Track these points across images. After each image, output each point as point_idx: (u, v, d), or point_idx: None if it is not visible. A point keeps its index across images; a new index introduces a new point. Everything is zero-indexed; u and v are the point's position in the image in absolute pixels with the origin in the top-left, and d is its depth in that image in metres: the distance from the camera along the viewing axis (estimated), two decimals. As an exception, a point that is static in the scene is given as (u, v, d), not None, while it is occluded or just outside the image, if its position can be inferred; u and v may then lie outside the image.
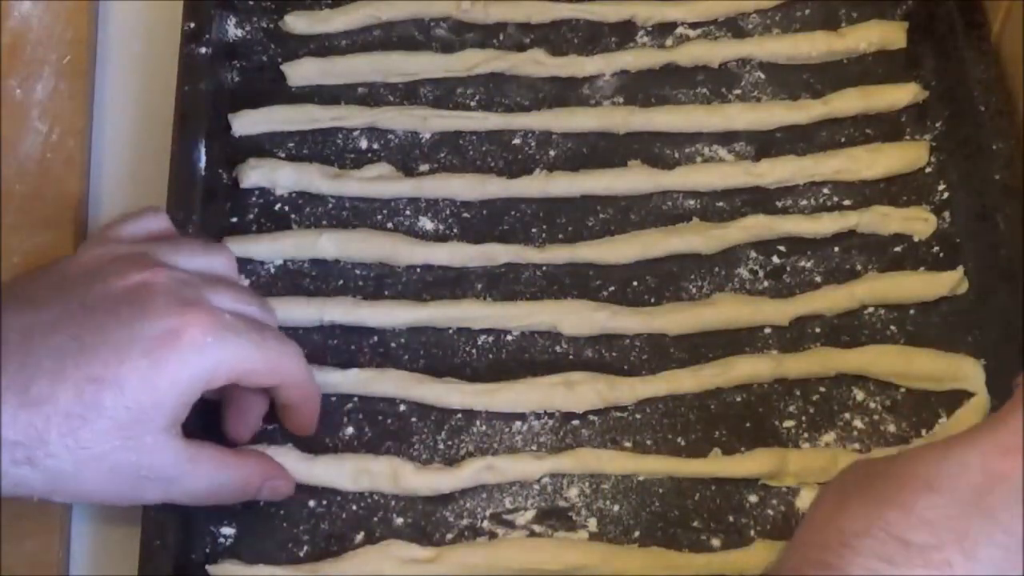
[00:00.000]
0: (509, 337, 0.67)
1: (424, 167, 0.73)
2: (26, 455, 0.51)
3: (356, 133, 0.74)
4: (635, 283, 0.69)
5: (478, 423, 0.65)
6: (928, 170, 0.72)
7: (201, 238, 0.65)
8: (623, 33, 0.77)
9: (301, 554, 0.61)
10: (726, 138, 0.73)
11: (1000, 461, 0.46)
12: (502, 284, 0.69)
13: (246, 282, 0.68)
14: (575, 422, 0.65)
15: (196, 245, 0.62)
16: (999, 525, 0.45)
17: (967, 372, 0.65)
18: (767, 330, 0.67)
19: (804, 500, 0.62)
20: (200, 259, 0.60)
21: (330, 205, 0.71)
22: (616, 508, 0.63)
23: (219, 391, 0.58)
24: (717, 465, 0.63)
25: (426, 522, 0.62)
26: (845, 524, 0.45)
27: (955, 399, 0.65)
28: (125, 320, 0.53)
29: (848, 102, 0.73)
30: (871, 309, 0.68)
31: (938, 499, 0.45)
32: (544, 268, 0.69)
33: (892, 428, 0.64)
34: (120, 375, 0.52)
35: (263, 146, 0.73)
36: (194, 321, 0.54)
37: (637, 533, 0.62)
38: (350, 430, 0.65)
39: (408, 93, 0.75)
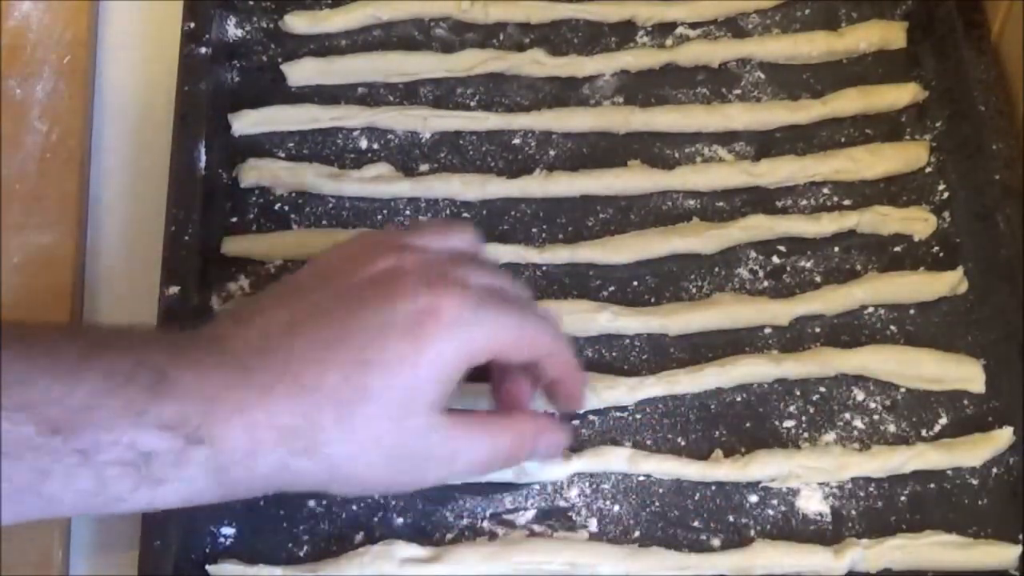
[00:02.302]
0: (509, 337, 0.67)
1: (424, 167, 0.73)
2: (304, 446, 0.51)
3: (356, 133, 0.74)
4: (635, 283, 0.69)
5: (478, 423, 0.65)
6: (928, 170, 0.72)
7: (442, 219, 0.65)
8: (623, 33, 0.77)
9: (301, 554, 0.61)
10: (726, 138, 0.73)
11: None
12: (502, 284, 0.69)
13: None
14: (575, 422, 0.65)
15: (439, 225, 0.61)
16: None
17: (967, 372, 0.65)
18: (767, 330, 0.67)
19: (804, 500, 0.62)
20: (444, 238, 0.59)
21: (330, 205, 0.71)
22: (616, 508, 0.63)
23: (481, 370, 0.57)
24: (719, 469, 0.63)
25: (426, 522, 0.62)
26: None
27: (955, 399, 0.65)
28: (379, 305, 0.53)
29: (848, 102, 0.73)
30: (871, 309, 0.68)
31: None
32: (544, 268, 0.69)
33: (892, 428, 0.64)
34: (384, 358, 0.52)
35: (263, 146, 0.73)
36: (448, 299, 0.53)
37: (637, 533, 0.62)
38: (350, 430, 0.65)
39: (408, 93, 0.75)
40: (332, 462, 0.52)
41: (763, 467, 0.62)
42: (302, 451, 0.51)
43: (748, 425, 0.65)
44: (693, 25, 0.77)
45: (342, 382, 0.51)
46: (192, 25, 0.73)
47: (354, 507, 0.63)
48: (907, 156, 0.72)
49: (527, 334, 0.56)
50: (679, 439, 0.64)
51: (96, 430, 0.48)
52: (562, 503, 0.63)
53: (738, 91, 0.75)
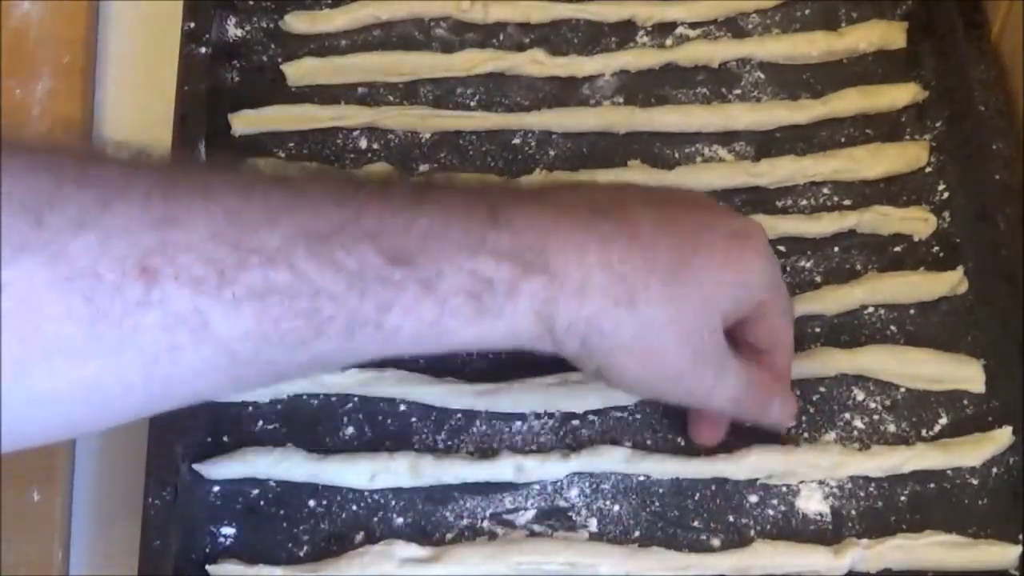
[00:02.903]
0: (509, 337, 0.67)
1: (424, 167, 0.73)
2: (628, 297, 0.52)
3: (356, 133, 0.74)
4: (635, 283, 0.69)
5: (478, 423, 0.65)
6: (928, 170, 0.72)
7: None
8: (623, 33, 0.77)
9: (301, 554, 0.61)
10: (726, 138, 0.73)
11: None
12: (502, 284, 0.69)
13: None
14: (575, 422, 0.65)
15: None
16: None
17: (967, 372, 0.65)
18: (767, 330, 0.67)
19: (804, 500, 0.62)
20: None
21: (330, 205, 0.71)
22: (616, 508, 0.63)
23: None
24: (717, 466, 0.63)
25: (426, 522, 0.62)
26: None
27: (955, 399, 0.65)
28: (701, 213, 0.56)
29: (848, 102, 0.73)
30: (871, 309, 0.68)
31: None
32: (544, 268, 0.69)
33: (892, 428, 0.64)
34: (710, 249, 0.54)
35: (263, 146, 0.73)
36: (759, 230, 0.56)
37: (637, 533, 0.62)
38: (350, 430, 0.65)
39: (408, 93, 0.75)
40: (643, 321, 0.52)
41: (759, 462, 0.62)
42: (624, 302, 0.52)
43: (748, 425, 0.64)
44: (693, 25, 0.77)
45: (673, 250, 0.53)
46: (192, 25, 0.73)
47: (354, 507, 0.63)
48: (907, 156, 0.72)
49: (784, 302, 0.58)
50: (679, 439, 0.64)
51: (438, 260, 0.48)
52: (562, 503, 0.63)
53: (738, 91, 0.75)
